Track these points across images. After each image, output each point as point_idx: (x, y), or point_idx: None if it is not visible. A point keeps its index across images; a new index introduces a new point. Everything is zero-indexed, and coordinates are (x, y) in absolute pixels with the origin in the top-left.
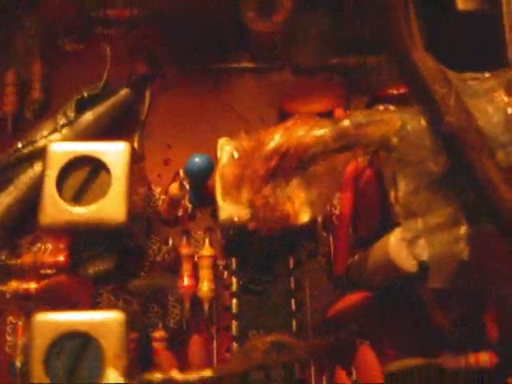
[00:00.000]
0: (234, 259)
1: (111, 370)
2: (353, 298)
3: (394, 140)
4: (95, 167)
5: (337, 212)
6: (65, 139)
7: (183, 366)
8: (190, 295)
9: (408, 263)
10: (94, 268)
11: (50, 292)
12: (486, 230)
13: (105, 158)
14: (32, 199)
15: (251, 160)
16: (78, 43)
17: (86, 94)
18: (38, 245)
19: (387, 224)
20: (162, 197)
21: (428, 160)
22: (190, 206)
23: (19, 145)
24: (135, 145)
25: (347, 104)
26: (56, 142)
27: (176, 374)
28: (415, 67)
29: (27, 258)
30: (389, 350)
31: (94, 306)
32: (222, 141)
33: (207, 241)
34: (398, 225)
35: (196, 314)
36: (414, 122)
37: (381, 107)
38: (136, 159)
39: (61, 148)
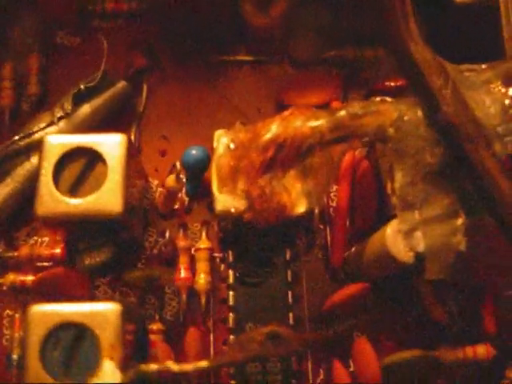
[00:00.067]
0: (230, 252)
1: (107, 361)
2: (350, 289)
3: (391, 131)
4: (92, 159)
5: (334, 204)
6: (62, 132)
7: (180, 359)
8: (187, 288)
9: (405, 255)
10: (90, 260)
11: (47, 285)
12: (484, 222)
13: (101, 150)
14: (29, 191)
15: (247, 151)
16: (76, 37)
17: (82, 87)
18: (35, 237)
19: (384, 216)
20: (159, 189)
21: (425, 151)
22: (186, 198)
23: (16, 137)
24: (132, 137)
25: (344, 97)
26: (53, 134)
27: (172, 365)
28: (412, 59)
29: (24, 251)
30: (386, 343)
31: (91, 298)
32: (218, 132)
33: (204, 233)
34: (394, 216)
35: (193, 306)
36: (411, 113)
37: (377, 98)
38: (132, 151)
39: (57, 140)
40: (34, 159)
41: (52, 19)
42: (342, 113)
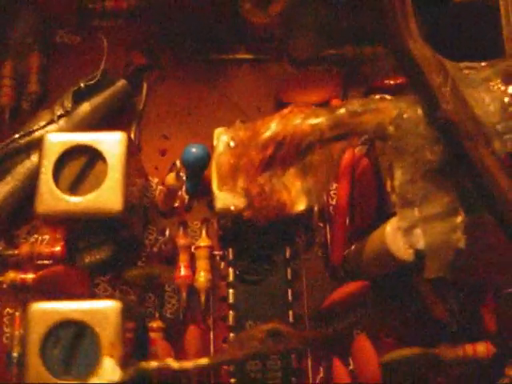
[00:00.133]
0: (230, 249)
1: (107, 359)
2: (349, 287)
3: (390, 128)
4: (92, 157)
5: (333, 202)
6: (62, 130)
7: (180, 357)
8: (187, 285)
9: (404, 252)
10: (90, 258)
11: (47, 283)
12: (483, 220)
13: (101, 148)
14: (29, 189)
15: (247, 149)
16: (76, 35)
17: (82, 85)
18: (35, 235)
19: (384, 213)
20: (159, 187)
21: (424, 149)
22: (186, 196)
23: (16, 135)
24: (132, 136)
25: (344, 95)
26: (53, 132)
27: (172, 363)
28: (412, 56)
29: (24, 249)
30: (386, 340)
31: (91, 296)
32: (218, 130)
33: (204, 231)
34: (394, 214)
35: (193, 304)
36: (410, 111)
37: (377, 96)
38: (132, 149)
39: (57, 138)
40: (34, 157)
41: (52, 18)
42: (342, 111)
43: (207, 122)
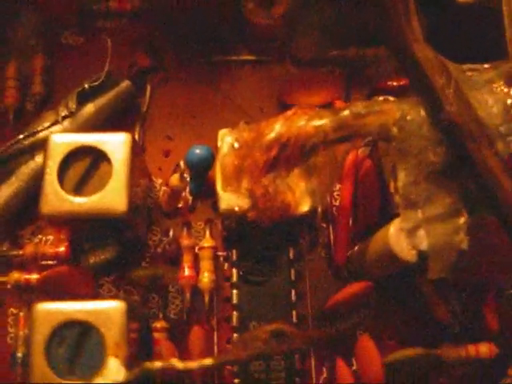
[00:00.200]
0: (234, 250)
1: (112, 359)
2: (353, 288)
3: (394, 130)
4: (96, 158)
5: (337, 203)
6: (66, 131)
7: (184, 357)
8: (191, 286)
9: (407, 253)
10: (94, 258)
11: (51, 283)
12: (486, 221)
13: (106, 149)
14: (33, 190)
15: (251, 150)
16: (80, 36)
17: (87, 86)
18: (40, 236)
19: (387, 214)
20: (163, 188)
21: (428, 150)
22: (190, 197)
23: (20, 136)
24: (136, 137)
25: (347, 96)
26: (57, 133)
27: (177, 363)
28: (415, 58)
29: (28, 249)
30: (389, 341)
31: (96, 296)
32: (222, 132)
33: (208, 232)
34: (397, 215)
35: (196, 304)
36: (414, 113)
37: (380, 98)
38: (137, 150)
39: (62, 139)
40: (39, 158)
41: (56, 19)
42: (346, 112)
43: (210, 123)
